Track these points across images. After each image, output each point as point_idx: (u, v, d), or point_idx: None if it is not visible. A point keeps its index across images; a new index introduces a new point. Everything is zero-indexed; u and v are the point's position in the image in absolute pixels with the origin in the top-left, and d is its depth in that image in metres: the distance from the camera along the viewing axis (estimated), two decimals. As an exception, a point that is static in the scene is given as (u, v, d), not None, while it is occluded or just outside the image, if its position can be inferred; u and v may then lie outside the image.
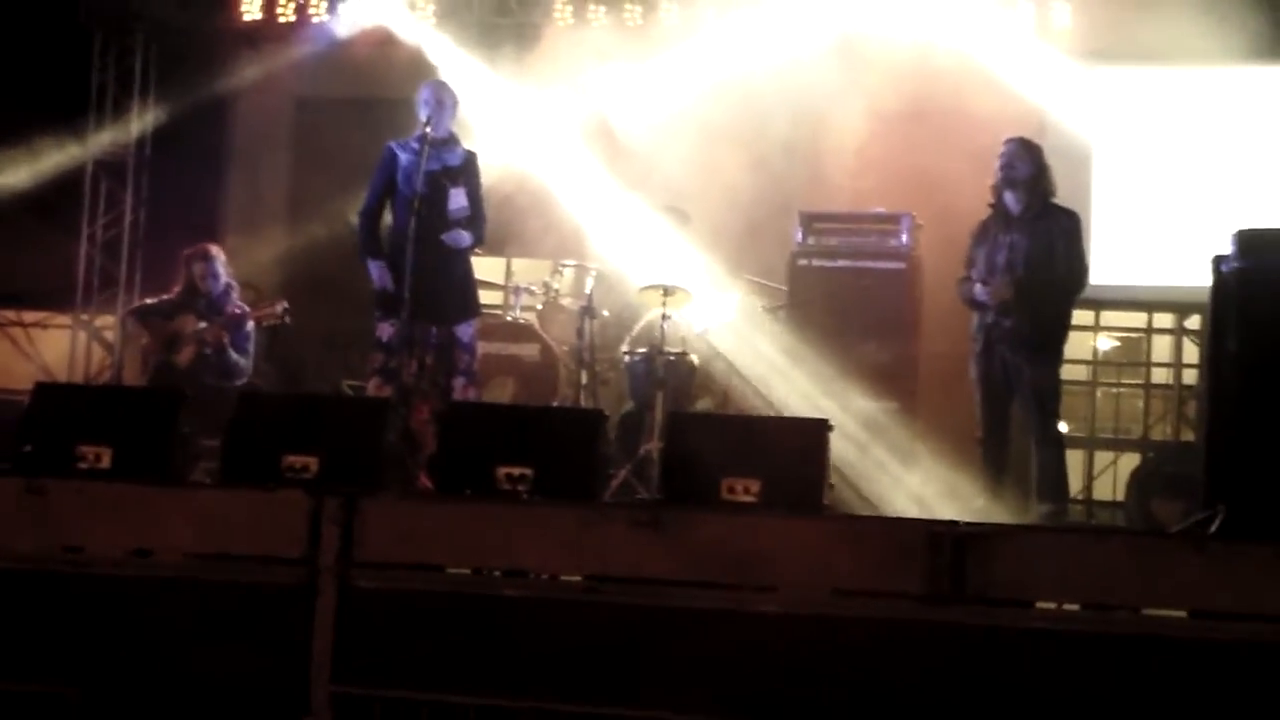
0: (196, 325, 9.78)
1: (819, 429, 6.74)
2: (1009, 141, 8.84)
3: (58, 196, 12.89)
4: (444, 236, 8.62)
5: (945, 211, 10.58)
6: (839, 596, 5.84)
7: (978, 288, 8.63)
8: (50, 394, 7.35)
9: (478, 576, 6.14)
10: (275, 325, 9.99)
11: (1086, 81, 11.73)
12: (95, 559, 6.19)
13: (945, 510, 8.51)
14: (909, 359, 10.51)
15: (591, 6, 12.60)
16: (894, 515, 8.50)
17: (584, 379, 10.42)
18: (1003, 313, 8.54)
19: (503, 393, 10.38)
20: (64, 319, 13.39)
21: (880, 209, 10.94)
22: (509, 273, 12.04)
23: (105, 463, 6.59)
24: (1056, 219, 8.72)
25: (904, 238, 10.68)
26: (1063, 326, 8.78)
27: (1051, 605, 5.80)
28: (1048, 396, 8.62)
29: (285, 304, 9.94)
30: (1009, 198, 8.70)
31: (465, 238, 8.74)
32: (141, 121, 13.43)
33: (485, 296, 9.94)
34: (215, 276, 9.95)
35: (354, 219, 9.08)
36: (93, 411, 6.88)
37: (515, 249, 11.92)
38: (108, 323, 13.38)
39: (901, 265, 10.62)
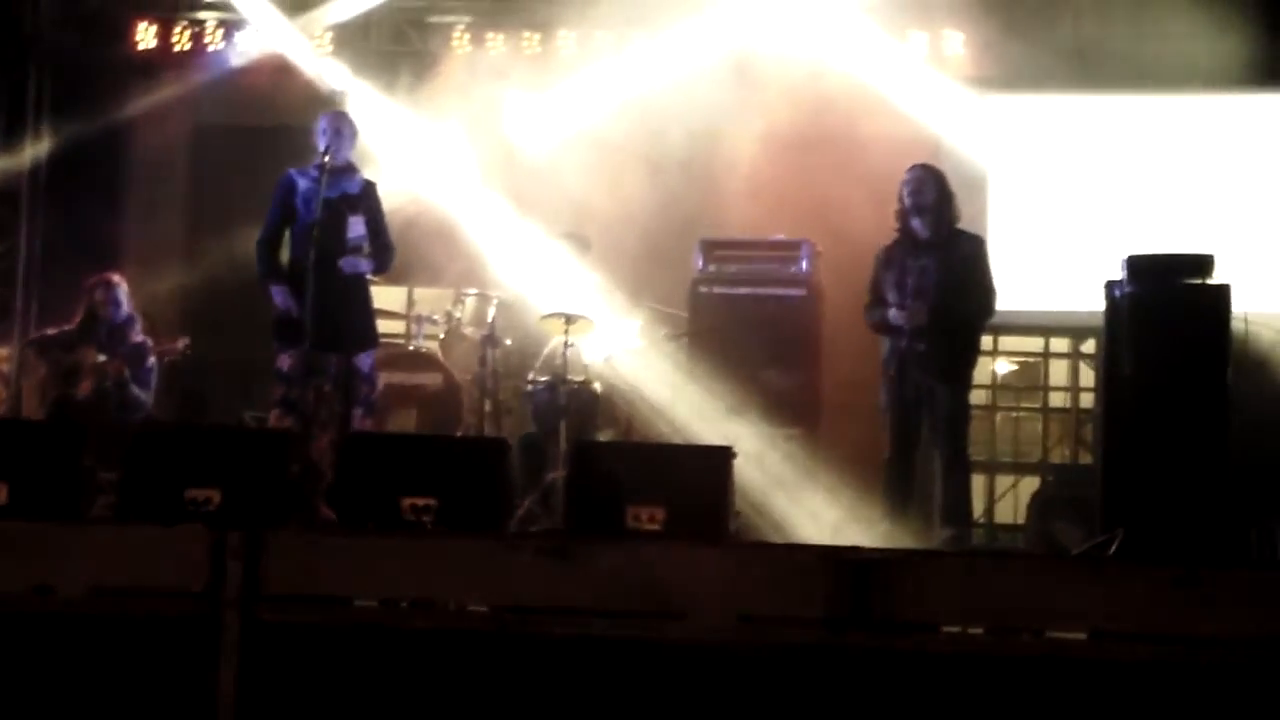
0: (96, 357, 9.67)
1: (723, 456, 6.79)
2: (915, 168, 8.90)
3: (-47, 228, 12.71)
4: (341, 262, 8.59)
5: (840, 236, 10.67)
6: (745, 623, 5.85)
7: (892, 312, 8.67)
8: (-54, 430, 7.27)
9: (385, 608, 6.11)
10: (175, 360, 9.92)
11: (979, 108, 11.89)
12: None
13: (849, 535, 8.57)
14: (811, 385, 10.59)
15: (489, 34, 12.59)
16: (798, 541, 8.54)
17: (487, 408, 10.39)
18: (916, 337, 8.59)
19: (406, 422, 10.33)
20: (-42, 352, 13.17)
21: (779, 235, 11.01)
22: (410, 302, 11.98)
23: (2, 499, 6.52)
24: (965, 243, 8.81)
25: (804, 264, 10.77)
26: (974, 350, 8.87)
27: (956, 629, 5.85)
28: (958, 421, 8.69)
29: (187, 341, 9.87)
30: (916, 223, 8.76)
31: (363, 264, 8.72)
32: (36, 150, 13.23)
33: (386, 326, 9.91)
34: (117, 305, 9.85)
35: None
36: (-12, 447, 6.80)
37: (417, 278, 11.88)
38: (3, 355, 13.17)
39: (802, 292, 10.71)
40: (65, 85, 13.20)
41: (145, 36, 12.99)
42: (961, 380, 8.76)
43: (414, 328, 11.04)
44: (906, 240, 8.80)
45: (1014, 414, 12.42)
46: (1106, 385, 8.07)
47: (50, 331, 10.20)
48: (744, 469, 7.60)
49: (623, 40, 12.21)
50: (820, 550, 6.32)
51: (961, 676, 5.63)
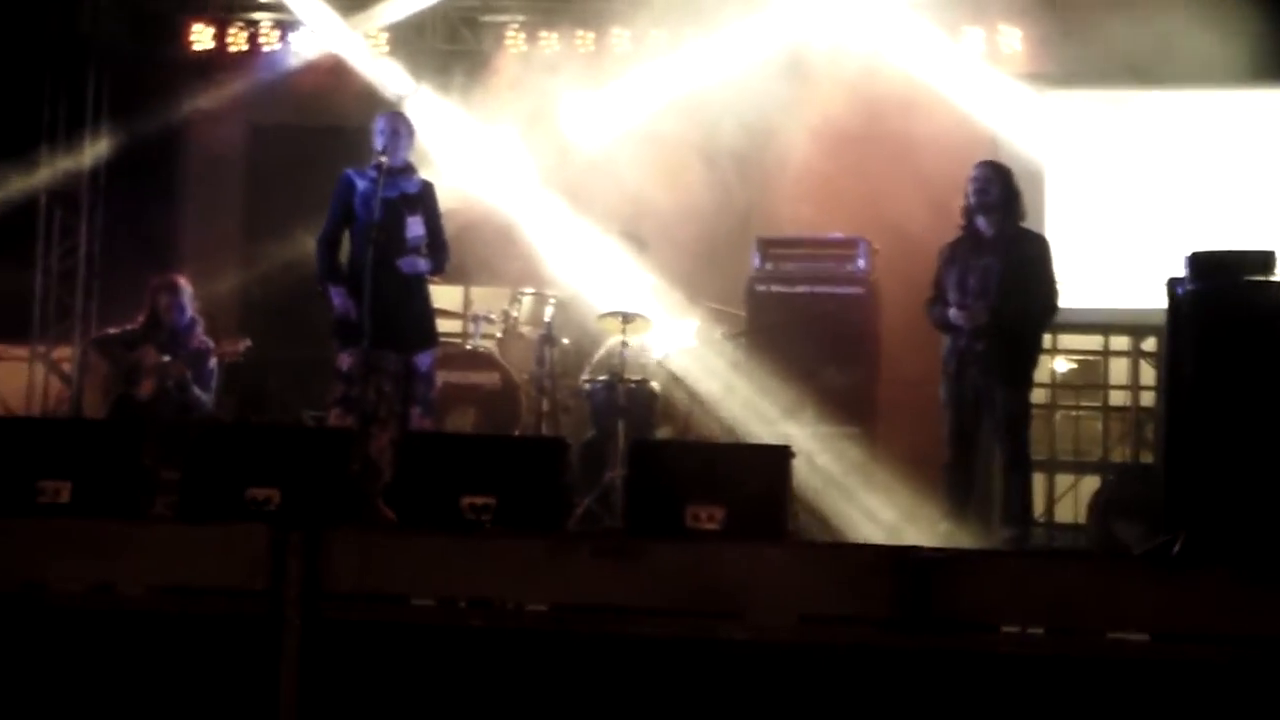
0: (158, 358, 9.71)
1: (781, 455, 6.76)
2: (981, 165, 8.84)
3: (12, 228, 12.78)
4: (400, 262, 8.59)
5: (897, 233, 10.64)
6: (804, 623, 5.84)
7: (952, 311, 8.61)
8: (8, 428, 7.31)
9: (443, 607, 6.12)
10: (235, 360, 9.96)
11: (1037, 105, 11.83)
12: (56, 595, 6.14)
13: (909, 535, 8.54)
14: (869, 383, 10.56)
15: (543, 33, 12.61)
16: (857, 541, 8.51)
17: (545, 407, 10.40)
18: (977, 336, 8.53)
19: (464, 422, 10.37)
20: (20, 351, 13.25)
21: (836, 233, 10.98)
22: (468, 301, 12.01)
23: (65, 497, 6.55)
24: (1030, 243, 8.73)
25: (861, 262, 10.75)
26: (1036, 351, 8.78)
27: (1015, 629, 5.82)
28: (1019, 421, 8.60)
29: (248, 342, 9.91)
30: (980, 221, 8.70)
31: (422, 264, 8.72)
32: (94, 151, 13.32)
33: (444, 325, 9.92)
34: (181, 310, 9.88)
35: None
36: (52, 446, 6.83)
37: (474, 277, 11.91)
38: (64, 354, 13.27)
39: (859, 290, 10.69)
40: (123, 86, 13.29)
41: (201, 37, 13.08)
42: (1022, 380, 8.68)
43: (471, 327, 11.07)
44: (970, 238, 8.73)
45: (1074, 413, 12.33)
46: (1168, 383, 7.99)
47: (112, 331, 10.25)
48: (802, 468, 7.57)
49: (677, 38, 12.22)
50: (881, 550, 6.31)
51: (1022, 677, 5.61)
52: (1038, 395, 11.11)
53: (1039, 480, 10.77)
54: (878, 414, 10.61)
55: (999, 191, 8.68)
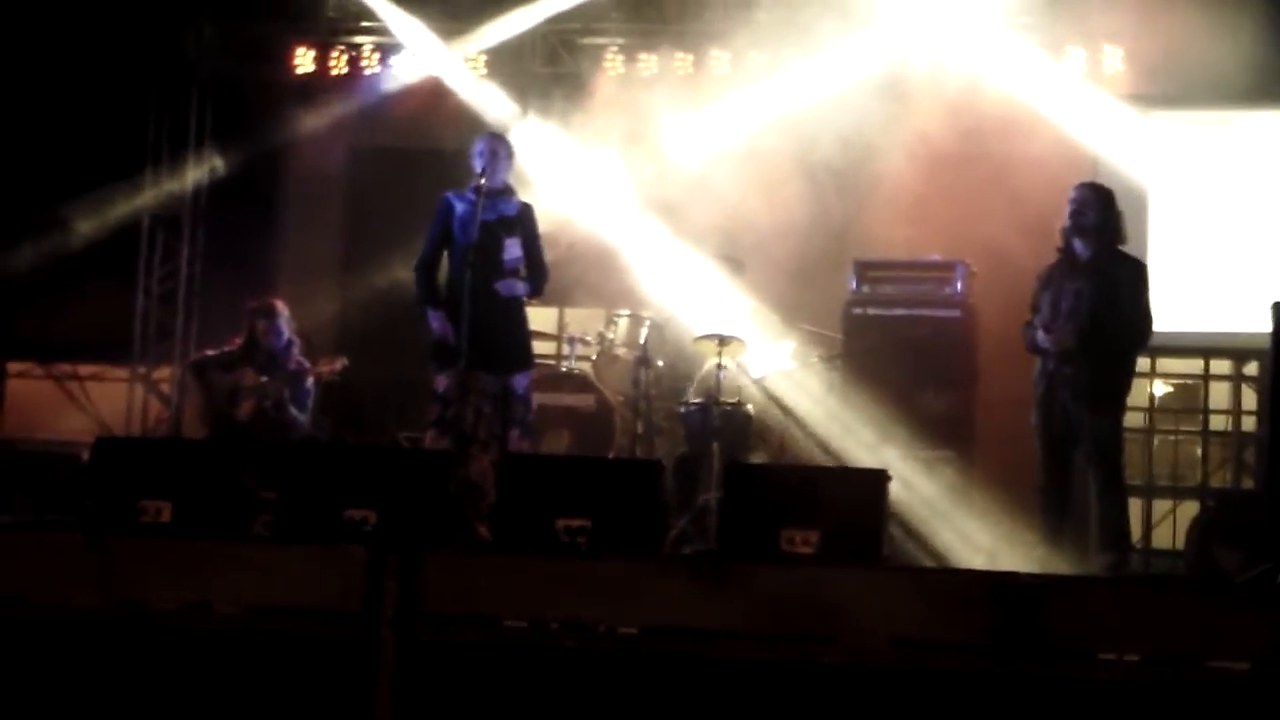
0: (256, 379, 9.80)
1: (878, 479, 6.74)
2: (1081, 187, 8.76)
3: (115, 250, 12.95)
4: (498, 284, 8.62)
5: (996, 256, 10.57)
6: (899, 648, 5.81)
7: (1040, 334, 8.54)
8: (111, 448, 7.40)
9: (537, 629, 6.13)
10: (332, 380, 10.02)
11: (1140, 126, 11.70)
12: (156, 613, 6.20)
13: (1005, 560, 8.46)
14: (966, 407, 10.49)
15: (642, 55, 12.63)
16: (955, 566, 8.45)
17: (640, 429, 10.40)
18: (1065, 360, 8.45)
19: (559, 444, 10.39)
20: (120, 372, 13.41)
21: (934, 256, 10.93)
22: (562, 322, 12.04)
23: (166, 517, 6.63)
24: (1124, 267, 8.63)
25: (959, 285, 10.68)
26: (1126, 376, 8.66)
27: (1112, 656, 5.76)
28: (1109, 446, 8.51)
29: (345, 361, 9.97)
30: (1077, 244, 8.61)
31: (520, 286, 8.74)
32: (197, 174, 13.48)
33: (539, 347, 9.94)
34: (278, 332, 9.95)
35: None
36: (153, 466, 6.93)
37: (569, 299, 11.94)
38: (164, 375, 13.42)
39: (957, 313, 10.62)
40: (225, 109, 13.44)
41: (304, 61, 13.21)
42: (1111, 405, 8.56)
43: (566, 348, 11.09)
44: (1066, 260, 8.65)
45: (1172, 437, 12.17)
46: (1271, 408, 7.90)
47: (211, 353, 10.35)
48: (898, 492, 7.54)
49: (776, 60, 12.20)
50: (977, 575, 6.27)
51: (1118, 704, 5.54)
52: (1135, 419, 11.04)
53: (1136, 505, 10.66)
54: (975, 438, 10.53)
55: (1096, 214, 8.58)
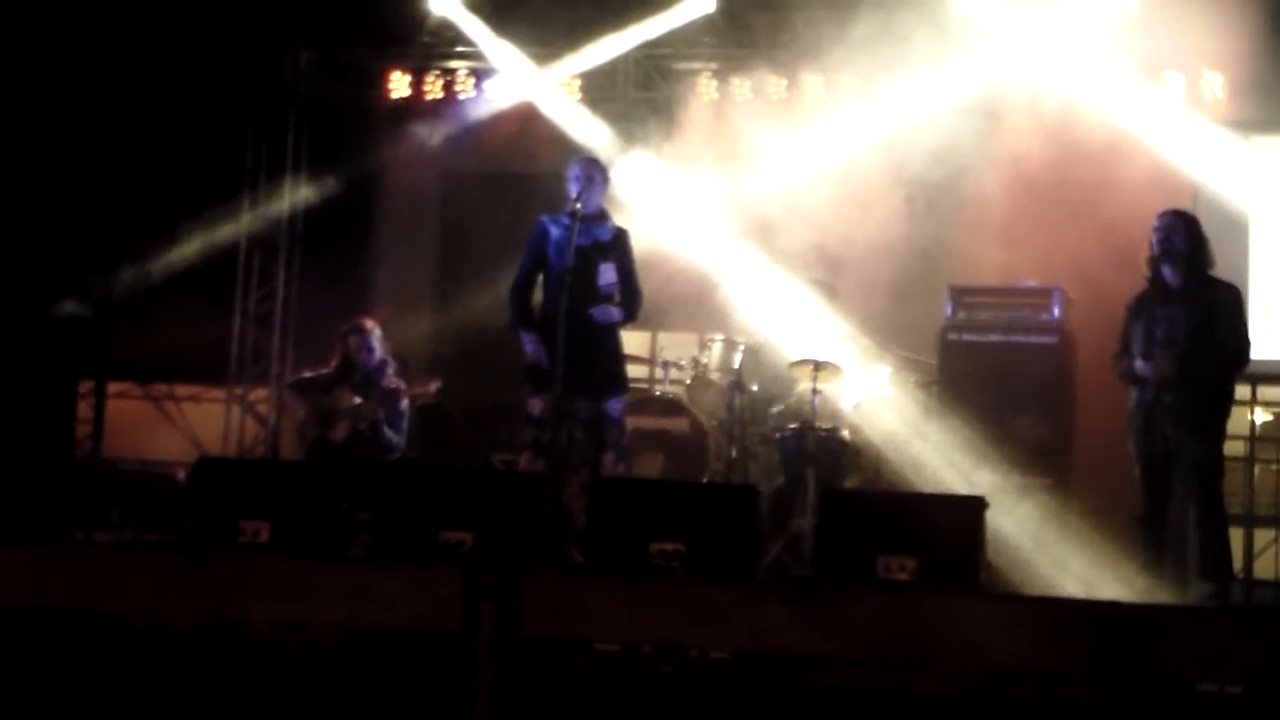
0: (352, 400, 9.85)
1: (976, 506, 6.69)
2: (1165, 214, 8.67)
3: (213, 272, 13.09)
4: (593, 311, 8.59)
5: (1094, 282, 10.47)
6: (995, 676, 5.76)
7: (1138, 363, 8.45)
8: (211, 469, 7.46)
9: (632, 653, 6.13)
10: (426, 402, 10.07)
11: (1240, 151, 11.57)
12: (253, 633, 6.24)
13: (1103, 589, 8.37)
14: (1063, 434, 10.41)
15: (736, 80, 12.64)
16: (1052, 595, 8.36)
17: (733, 454, 10.38)
18: (1164, 388, 8.36)
19: (652, 467, 10.38)
20: (216, 392, 13.54)
21: (1030, 282, 10.85)
22: (655, 346, 12.04)
23: (264, 537, 6.68)
24: (1216, 292, 8.52)
25: (1055, 311, 10.59)
26: (1225, 402, 8.54)
27: (1213, 688, 5.68)
28: (1210, 473, 8.40)
29: (439, 384, 10.01)
30: (1166, 271, 8.53)
31: (615, 313, 8.72)
32: (293, 198, 13.60)
33: (632, 371, 9.92)
34: (370, 350, 10.01)
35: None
36: (252, 486, 6.98)
37: (662, 323, 11.92)
38: (260, 396, 13.54)
39: (1054, 340, 10.53)
40: (322, 134, 13.56)
41: (399, 85, 13.31)
42: (1211, 432, 8.45)
43: (659, 372, 11.08)
44: (1156, 288, 8.56)
45: (1274, 465, 12.01)
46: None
47: (307, 374, 10.42)
48: (994, 518, 7.47)
49: (869, 84, 12.16)
50: (1077, 604, 6.21)
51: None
52: (1235, 447, 10.90)
53: (1237, 534, 10.51)
54: (1072, 465, 10.44)
55: (1183, 240, 8.48)
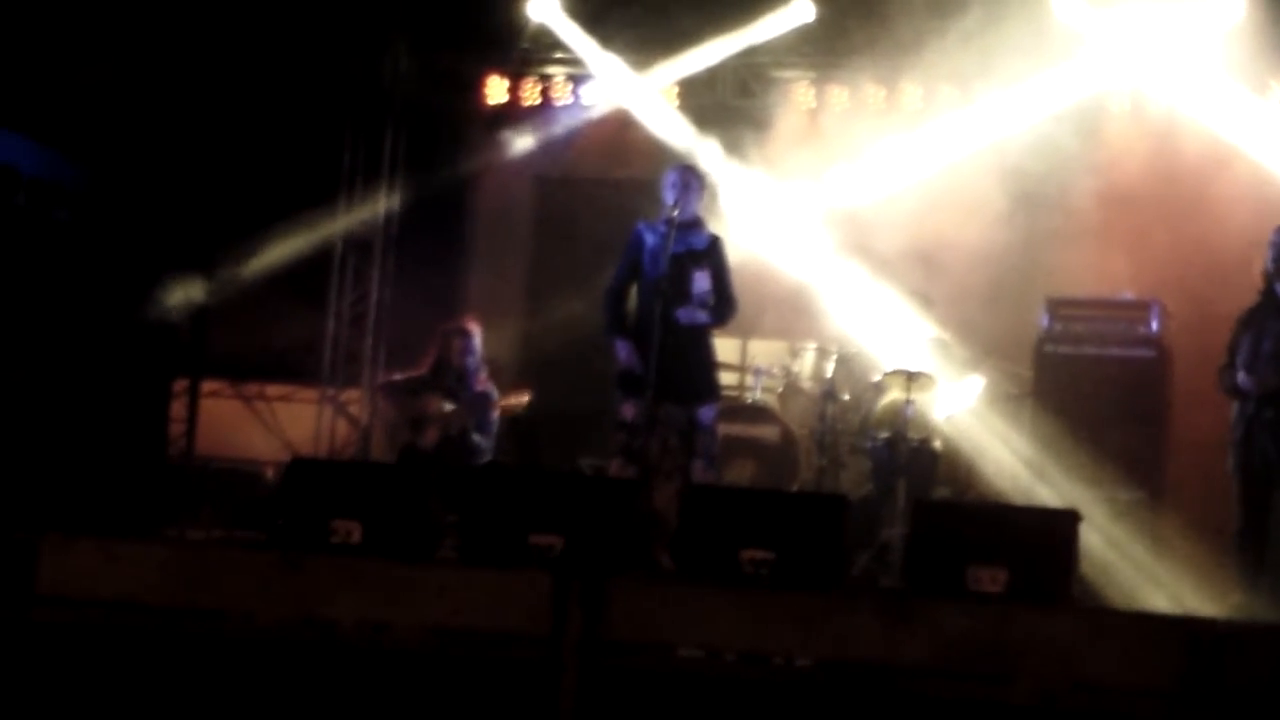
0: (442, 405, 9.90)
1: (1069, 520, 6.62)
2: None
3: (307, 273, 13.17)
4: (678, 312, 8.58)
5: (1194, 296, 10.38)
6: (1082, 690, 5.69)
7: (1241, 376, 8.35)
8: (304, 469, 7.51)
9: (722, 660, 6.11)
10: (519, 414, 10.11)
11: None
12: (344, 632, 6.27)
13: (1198, 605, 8.28)
14: (1158, 448, 10.29)
15: (834, 89, 12.60)
16: (1146, 610, 8.28)
17: (824, 462, 10.35)
18: (1266, 402, 8.25)
19: (742, 474, 10.38)
20: (308, 393, 13.63)
21: (1127, 294, 10.74)
22: (746, 354, 12.02)
23: (356, 538, 6.72)
24: None
25: (1153, 325, 10.47)
26: None
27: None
28: (1310, 490, 8.31)
29: (530, 395, 10.04)
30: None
31: (700, 314, 8.69)
32: (389, 201, 13.67)
33: (723, 378, 9.92)
34: (472, 353, 10.07)
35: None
36: (344, 487, 7.02)
37: (753, 330, 11.91)
38: (351, 397, 13.61)
39: (1151, 353, 10.42)
40: (418, 138, 13.63)
41: (496, 91, 13.36)
42: (1314, 447, 8.35)
43: (750, 380, 11.08)
44: (1269, 303, 8.45)
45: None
46: None
47: (398, 377, 10.49)
48: (1087, 532, 7.39)
49: (969, 93, 12.09)
50: (1168, 620, 6.13)
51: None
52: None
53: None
54: (1166, 479, 10.33)
55: None
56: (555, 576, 6.05)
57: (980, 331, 10.95)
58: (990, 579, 6.34)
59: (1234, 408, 8.47)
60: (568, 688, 5.94)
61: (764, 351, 11.95)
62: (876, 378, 10.37)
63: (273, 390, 13.83)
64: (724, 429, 9.75)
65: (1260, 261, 8.48)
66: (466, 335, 10.09)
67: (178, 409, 13.01)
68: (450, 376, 10.03)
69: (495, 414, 10.08)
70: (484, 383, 10.11)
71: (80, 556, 6.49)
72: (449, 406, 9.90)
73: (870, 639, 5.87)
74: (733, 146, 12.40)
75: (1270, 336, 8.33)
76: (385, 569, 6.36)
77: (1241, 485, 8.37)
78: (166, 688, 6.23)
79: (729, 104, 13.01)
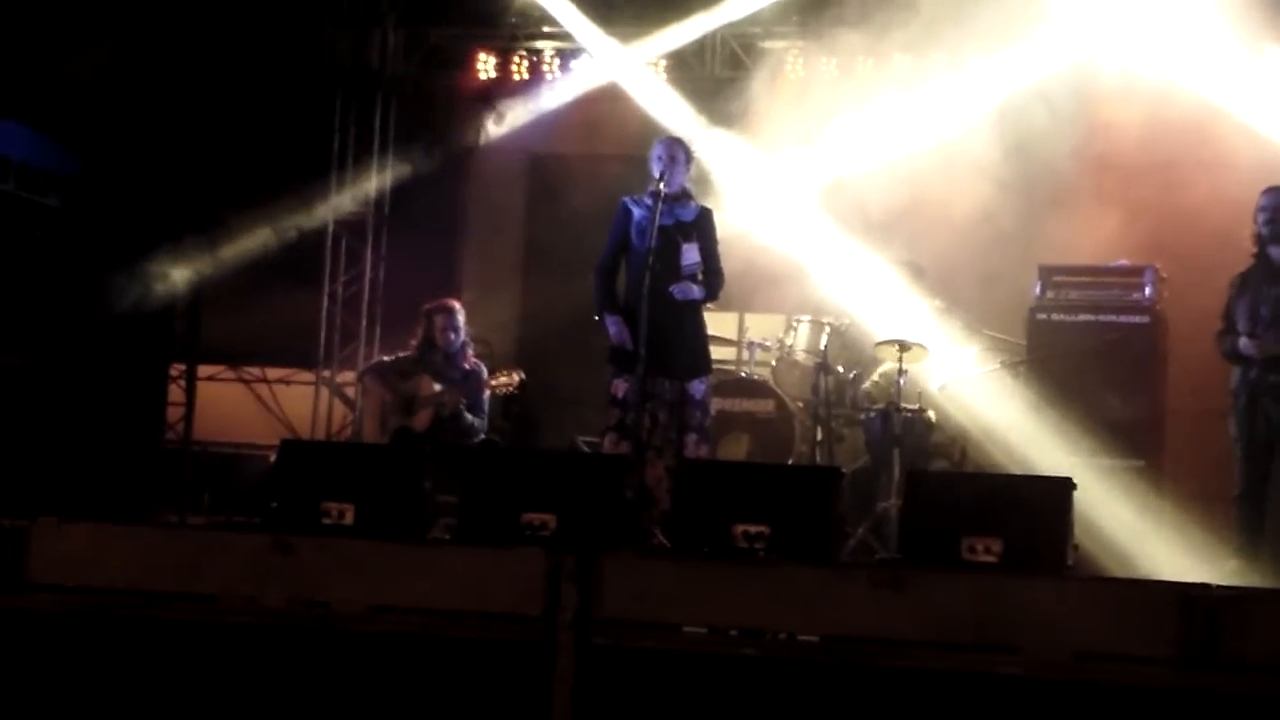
0: (433, 387, 9.88)
1: (1063, 488, 6.60)
2: (1270, 191, 8.54)
3: (301, 255, 13.14)
4: (673, 288, 8.58)
5: (1188, 261, 10.35)
6: (1081, 660, 5.68)
7: (1243, 341, 8.33)
8: (296, 451, 7.51)
9: (714, 636, 6.10)
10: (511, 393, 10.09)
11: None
12: (338, 615, 6.26)
13: (1195, 573, 8.26)
14: (1154, 415, 10.26)
15: (823, 59, 12.53)
16: (1142, 577, 8.27)
17: (819, 435, 10.33)
18: (1269, 367, 8.23)
19: (737, 448, 10.37)
20: (307, 375, 13.61)
21: (1122, 260, 10.70)
22: (742, 328, 11.99)
23: (348, 519, 6.70)
24: None
25: (1147, 290, 10.42)
26: None
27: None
28: (1314, 455, 8.29)
29: (522, 375, 10.02)
30: (1274, 250, 8.40)
31: (694, 290, 8.69)
32: (381, 180, 13.63)
33: (718, 352, 9.91)
34: (455, 331, 10.06)
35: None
36: (337, 469, 7.01)
37: (749, 304, 11.88)
38: (348, 379, 13.58)
39: (1145, 319, 10.37)
40: (409, 116, 13.59)
41: (486, 66, 13.29)
42: (1317, 413, 8.34)
43: (745, 354, 11.05)
44: (1262, 266, 8.43)
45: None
46: None
47: (386, 358, 10.49)
48: (1082, 501, 7.38)
49: (958, 62, 12.02)
50: (1166, 587, 6.11)
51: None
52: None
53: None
54: (1163, 446, 10.30)
55: None
56: (548, 554, 6.05)
57: (972, 300, 10.91)
58: (985, 549, 6.33)
59: (1234, 373, 8.45)
60: (563, 666, 5.93)
61: (758, 325, 11.93)
62: (870, 349, 10.33)
63: (272, 373, 13.82)
64: (718, 403, 9.74)
65: (1251, 226, 8.47)
66: (449, 313, 10.08)
67: (175, 393, 13.01)
68: (438, 356, 10.02)
69: (487, 393, 10.06)
70: (472, 359, 10.10)
71: (71, 542, 6.49)
72: (438, 387, 9.88)
73: (866, 612, 5.88)
74: (723, 119, 12.34)
75: (1268, 301, 8.33)
76: (378, 550, 6.36)
77: (1244, 449, 8.37)
78: (159, 673, 6.23)
79: (718, 76, 12.94)
